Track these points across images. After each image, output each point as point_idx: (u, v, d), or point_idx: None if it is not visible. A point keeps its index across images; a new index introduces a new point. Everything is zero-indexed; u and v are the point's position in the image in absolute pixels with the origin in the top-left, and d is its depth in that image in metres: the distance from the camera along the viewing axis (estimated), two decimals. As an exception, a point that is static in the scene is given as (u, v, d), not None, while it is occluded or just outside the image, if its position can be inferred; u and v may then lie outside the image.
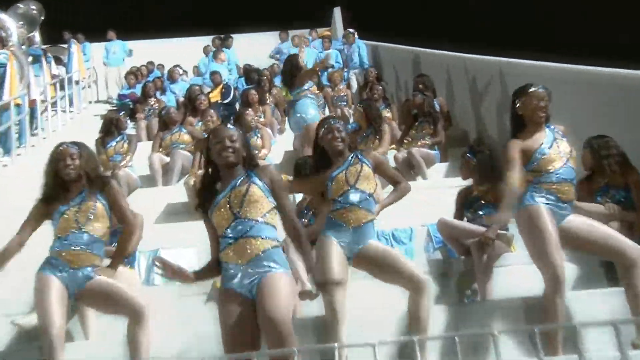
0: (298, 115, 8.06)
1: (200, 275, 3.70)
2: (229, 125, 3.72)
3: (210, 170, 3.68)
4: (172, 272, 3.59)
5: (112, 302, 4.21)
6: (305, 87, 8.16)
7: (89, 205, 4.34)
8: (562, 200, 4.32)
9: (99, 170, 4.54)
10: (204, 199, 3.64)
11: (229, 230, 3.52)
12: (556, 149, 4.39)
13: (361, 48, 14.26)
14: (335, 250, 4.36)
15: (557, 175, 4.33)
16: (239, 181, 3.59)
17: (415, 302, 4.27)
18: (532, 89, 4.46)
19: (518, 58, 8.36)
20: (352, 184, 4.45)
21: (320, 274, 4.29)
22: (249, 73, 12.83)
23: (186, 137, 9.05)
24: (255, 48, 15.97)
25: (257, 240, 3.49)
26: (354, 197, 4.43)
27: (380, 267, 4.36)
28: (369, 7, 19.10)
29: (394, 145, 8.75)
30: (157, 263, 3.60)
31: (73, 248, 4.26)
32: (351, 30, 15.23)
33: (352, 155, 4.56)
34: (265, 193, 3.56)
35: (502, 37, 13.75)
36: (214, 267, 3.64)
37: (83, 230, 4.29)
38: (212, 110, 8.61)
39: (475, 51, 9.98)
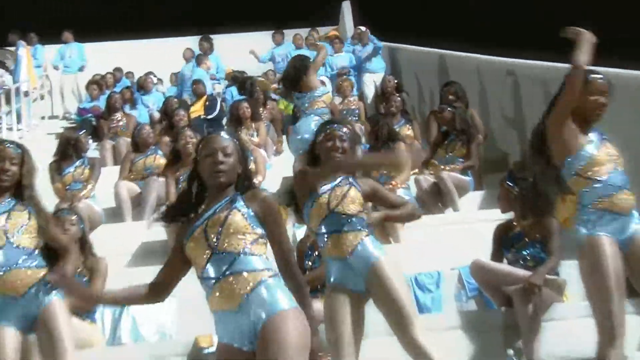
0: (299, 137, 7.91)
1: (115, 298, 3.70)
2: (223, 134, 3.64)
3: (194, 187, 3.66)
4: (70, 289, 3.57)
5: (44, 332, 4.34)
6: (317, 92, 8.04)
7: (21, 215, 4.47)
8: (622, 212, 4.33)
9: (35, 185, 4.62)
10: (179, 214, 3.64)
11: (207, 269, 3.46)
12: (604, 150, 4.38)
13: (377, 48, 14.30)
14: (347, 305, 4.36)
15: (609, 184, 4.32)
16: (220, 206, 3.53)
17: (408, 347, 4.27)
18: (593, 77, 4.39)
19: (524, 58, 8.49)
20: (333, 208, 4.45)
21: (329, 336, 4.31)
22: (243, 81, 12.89)
23: (163, 161, 9.00)
24: (244, 51, 16.06)
25: (245, 275, 3.42)
26: (331, 224, 4.43)
27: (378, 290, 4.37)
28: (381, 2, 19.25)
29: (416, 170, 8.78)
30: (51, 279, 3.61)
31: (9, 268, 4.38)
32: (363, 27, 15.33)
33: (343, 177, 4.57)
34: (250, 222, 3.48)
35: (508, 37, 14.12)
36: (140, 295, 3.61)
37: (13, 244, 4.40)
38: (188, 131, 8.21)
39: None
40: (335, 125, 4.65)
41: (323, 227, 4.44)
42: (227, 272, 3.42)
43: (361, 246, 4.40)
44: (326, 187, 4.48)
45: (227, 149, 3.55)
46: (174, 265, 3.62)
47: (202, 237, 3.49)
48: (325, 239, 4.44)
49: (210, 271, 3.45)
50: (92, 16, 20.85)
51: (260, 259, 3.46)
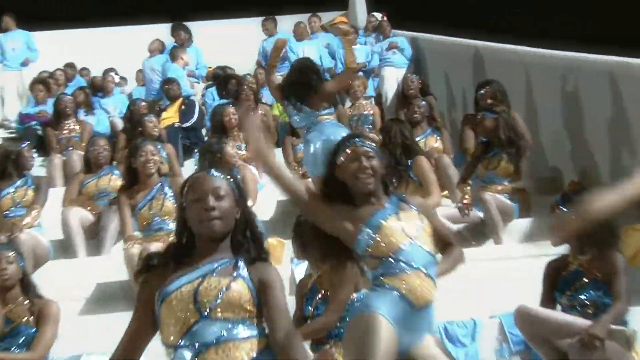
0: (324, 137, 7.79)
1: None
2: (214, 172, 3.66)
3: (183, 239, 3.66)
4: None
5: None
6: (324, 112, 8.06)
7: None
8: None
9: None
10: (157, 264, 3.62)
11: (187, 337, 3.48)
12: None
13: (402, 44, 14.27)
14: (386, 332, 4.29)
15: None
16: (219, 267, 3.55)
17: None
18: None
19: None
20: (413, 236, 4.46)
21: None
22: (225, 80, 12.84)
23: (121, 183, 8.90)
24: (226, 42, 16.08)
25: (236, 344, 3.47)
26: (419, 256, 4.42)
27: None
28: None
29: (446, 192, 8.79)
30: None
31: None
32: (378, 14, 15.34)
33: (393, 198, 4.58)
34: (253, 296, 3.53)
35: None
36: None
37: None
38: (149, 144, 8.00)
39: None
40: (357, 140, 4.64)
41: (396, 256, 4.42)
42: (217, 342, 3.45)
43: (431, 308, 4.43)
44: (386, 211, 4.49)
45: (219, 191, 3.57)
46: (142, 329, 3.61)
47: (190, 299, 3.49)
48: (396, 268, 4.40)
49: (192, 339, 3.47)
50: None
51: (254, 330, 3.51)
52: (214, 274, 3.53)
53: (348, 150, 4.57)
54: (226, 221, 3.57)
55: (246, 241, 3.63)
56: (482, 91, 9.45)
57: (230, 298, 3.48)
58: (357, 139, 4.64)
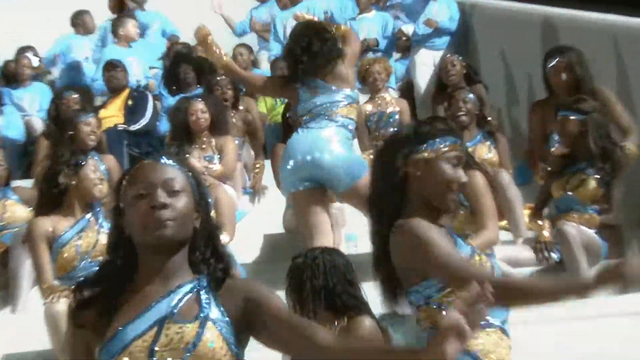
0: (290, 164, 7.95)
1: None
2: (165, 159, 3.66)
3: (118, 258, 3.66)
4: None
5: None
6: (345, 92, 8.12)
7: None
8: None
9: None
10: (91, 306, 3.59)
11: None
12: None
13: (450, 5, 14.22)
14: None
15: None
16: (179, 303, 3.56)
17: None
18: None
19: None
20: None
21: None
22: (175, 66, 12.84)
23: (21, 212, 9.14)
24: (205, 9, 16.19)
25: None
26: (498, 311, 4.62)
27: None
28: None
29: (504, 222, 8.78)
30: None
31: None
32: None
33: (451, 231, 4.70)
34: (228, 341, 3.54)
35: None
36: None
37: None
38: (90, 160, 7.94)
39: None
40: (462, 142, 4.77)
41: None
42: None
43: None
44: (465, 248, 4.67)
45: (172, 183, 3.60)
46: None
47: (144, 357, 3.49)
48: None
49: None
50: None
51: None
52: (173, 317, 3.51)
53: (445, 148, 4.63)
54: (181, 225, 3.56)
55: (208, 258, 3.62)
56: (553, 62, 9.45)
57: (202, 351, 3.48)
58: (455, 138, 4.73)
